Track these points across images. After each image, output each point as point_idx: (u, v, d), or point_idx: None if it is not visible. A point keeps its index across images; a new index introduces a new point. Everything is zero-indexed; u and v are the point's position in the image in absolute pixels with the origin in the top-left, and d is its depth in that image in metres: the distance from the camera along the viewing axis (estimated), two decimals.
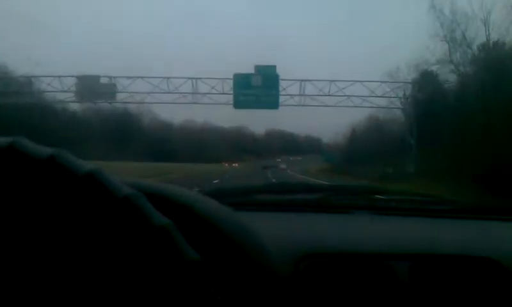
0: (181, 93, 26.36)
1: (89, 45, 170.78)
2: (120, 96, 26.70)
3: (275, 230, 0.80)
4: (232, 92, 25.56)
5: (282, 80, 25.82)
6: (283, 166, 61.52)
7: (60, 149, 0.35)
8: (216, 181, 18.71)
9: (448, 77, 30.69)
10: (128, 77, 25.97)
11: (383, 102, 30.14)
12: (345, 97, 26.59)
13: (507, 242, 0.89)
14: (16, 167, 0.34)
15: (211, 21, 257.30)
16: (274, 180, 20.19)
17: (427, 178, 18.29)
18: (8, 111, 26.03)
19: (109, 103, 27.82)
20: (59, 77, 25.46)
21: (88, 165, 0.35)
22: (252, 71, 25.49)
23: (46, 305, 0.34)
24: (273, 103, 25.78)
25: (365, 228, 0.96)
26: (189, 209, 0.44)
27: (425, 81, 30.58)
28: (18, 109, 27.69)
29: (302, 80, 26.29)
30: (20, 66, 40.10)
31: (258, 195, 1.27)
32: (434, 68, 30.67)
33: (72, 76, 25.83)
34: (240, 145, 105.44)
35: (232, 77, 25.48)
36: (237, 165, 66.89)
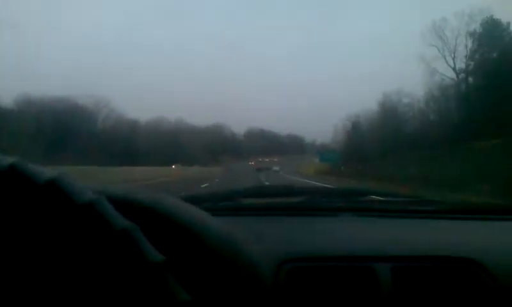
0: None
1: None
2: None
3: (256, 234, 0.79)
4: None
5: None
6: (276, 168, 58.41)
7: (19, 158, 0.35)
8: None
9: None
10: None
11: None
12: None
13: (490, 242, 0.87)
14: None
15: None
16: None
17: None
18: None
19: None
20: None
21: (48, 172, 0.35)
22: None
23: None
24: None
25: (348, 231, 0.96)
26: (152, 211, 0.44)
27: (491, 35, 21.09)
28: None
29: None
30: None
31: (239, 199, 1.24)
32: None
33: None
34: (217, 145, 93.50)
35: None
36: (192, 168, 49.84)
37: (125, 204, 0.39)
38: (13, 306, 0.34)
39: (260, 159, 76.86)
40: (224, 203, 1.21)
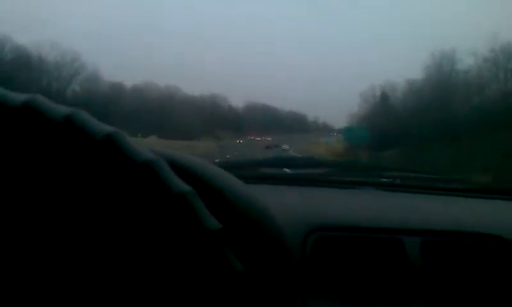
0: None
1: None
2: None
3: (283, 203, 0.81)
4: None
5: None
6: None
7: (77, 109, 0.33)
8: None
9: None
10: None
11: None
12: None
13: None
14: (31, 128, 0.32)
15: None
16: None
17: None
18: None
19: None
20: None
21: (105, 127, 0.33)
22: None
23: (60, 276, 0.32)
24: None
25: (374, 203, 0.96)
26: (206, 179, 0.42)
27: None
28: None
29: None
30: None
31: (266, 169, 1.26)
32: None
33: None
34: (213, 118, 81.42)
35: None
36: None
37: (179, 169, 0.37)
38: (72, 267, 0.33)
39: (259, 138, 67.07)
40: (253, 171, 1.21)
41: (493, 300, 0.73)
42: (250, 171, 1.21)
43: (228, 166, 1.04)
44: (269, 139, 63.18)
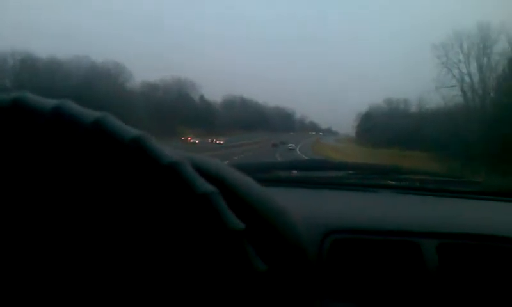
0: None
1: None
2: None
3: (299, 206, 0.81)
4: None
5: None
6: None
7: (105, 113, 0.34)
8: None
9: None
10: None
11: None
12: None
13: None
14: (58, 133, 0.33)
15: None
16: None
17: None
18: None
19: None
20: None
21: (132, 130, 0.34)
22: None
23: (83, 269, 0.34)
24: None
25: (391, 206, 0.96)
26: (229, 183, 0.42)
27: None
28: None
29: None
30: None
31: (280, 171, 1.27)
32: None
33: None
34: (176, 110, 64.56)
35: None
36: None
37: (203, 171, 0.37)
38: (94, 266, 0.34)
39: (219, 141, 52.66)
40: (264, 175, 1.20)
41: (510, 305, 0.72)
42: (266, 174, 1.20)
43: (244, 168, 0.95)
44: (221, 142, 50.12)
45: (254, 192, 0.44)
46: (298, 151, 44.18)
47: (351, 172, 1.33)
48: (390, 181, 1.24)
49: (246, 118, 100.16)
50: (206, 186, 0.34)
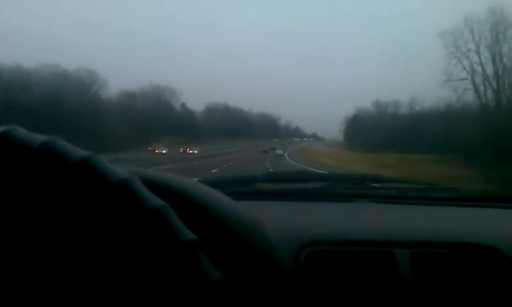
0: None
1: None
2: None
3: (275, 219, 0.81)
4: None
5: None
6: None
7: (53, 137, 0.35)
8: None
9: None
10: None
11: None
12: None
13: (509, 229, 0.87)
14: (8, 159, 0.33)
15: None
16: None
17: None
18: None
19: None
20: None
21: (80, 151, 0.35)
22: None
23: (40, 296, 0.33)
24: None
25: (366, 216, 0.97)
26: (185, 196, 0.44)
27: None
28: None
29: None
30: None
31: (258, 184, 1.29)
32: None
33: None
34: (156, 119, 61.62)
35: None
36: None
37: (154, 186, 0.38)
38: (47, 282, 0.34)
39: (192, 151, 49.00)
40: (242, 188, 1.22)
41: None
42: (242, 187, 1.22)
43: (218, 183, 1.05)
44: (195, 152, 47.05)
45: (216, 204, 0.44)
46: (287, 158, 43.71)
47: (329, 182, 1.33)
48: (368, 191, 1.24)
49: (230, 125, 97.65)
50: (156, 201, 0.35)
